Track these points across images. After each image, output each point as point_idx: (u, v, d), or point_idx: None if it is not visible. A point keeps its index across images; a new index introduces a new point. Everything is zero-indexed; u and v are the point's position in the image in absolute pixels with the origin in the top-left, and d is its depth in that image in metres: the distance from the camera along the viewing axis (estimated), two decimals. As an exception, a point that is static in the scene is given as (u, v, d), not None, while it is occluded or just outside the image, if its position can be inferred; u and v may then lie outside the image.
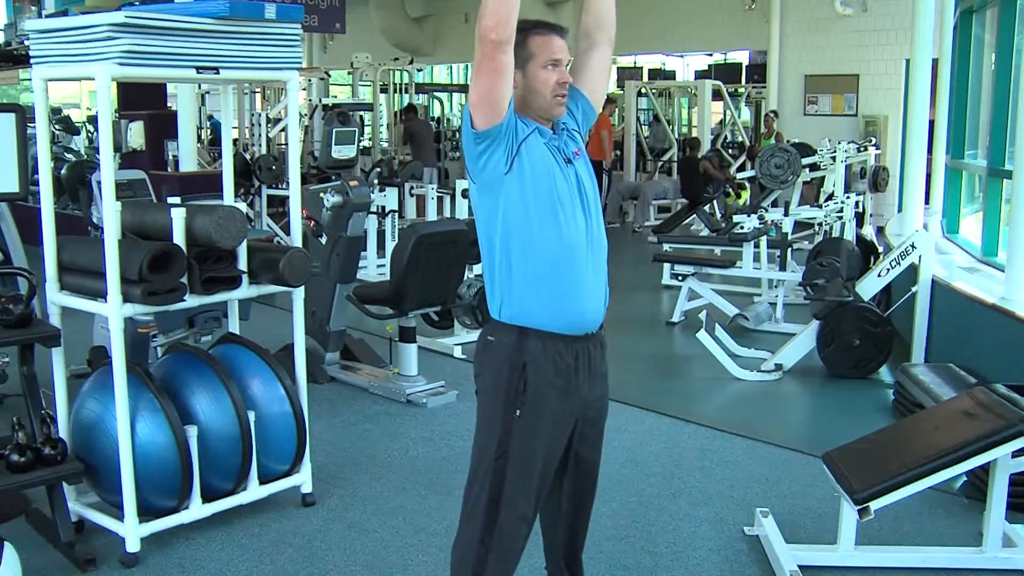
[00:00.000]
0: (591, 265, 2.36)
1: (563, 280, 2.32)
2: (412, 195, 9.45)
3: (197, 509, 3.41)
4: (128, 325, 3.31)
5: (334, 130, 6.20)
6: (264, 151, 11.73)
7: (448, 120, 18.94)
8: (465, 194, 7.60)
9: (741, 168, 12.41)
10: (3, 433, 3.60)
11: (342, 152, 6.18)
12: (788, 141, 9.61)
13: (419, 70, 17.09)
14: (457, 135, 17.41)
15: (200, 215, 3.32)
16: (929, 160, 7.40)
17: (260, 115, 13.01)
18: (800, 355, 5.75)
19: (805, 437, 4.72)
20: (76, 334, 3.96)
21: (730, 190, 11.15)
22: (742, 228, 7.02)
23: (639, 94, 14.86)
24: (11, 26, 14.14)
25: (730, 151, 13.59)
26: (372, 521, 3.65)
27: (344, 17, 13.13)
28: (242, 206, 3.65)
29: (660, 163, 14.62)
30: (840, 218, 7.42)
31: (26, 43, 4.01)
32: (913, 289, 5.58)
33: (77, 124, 14.63)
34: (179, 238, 3.29)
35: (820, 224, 7.56)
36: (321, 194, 5.32)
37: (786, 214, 7.32)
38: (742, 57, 18.56)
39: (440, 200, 9.52)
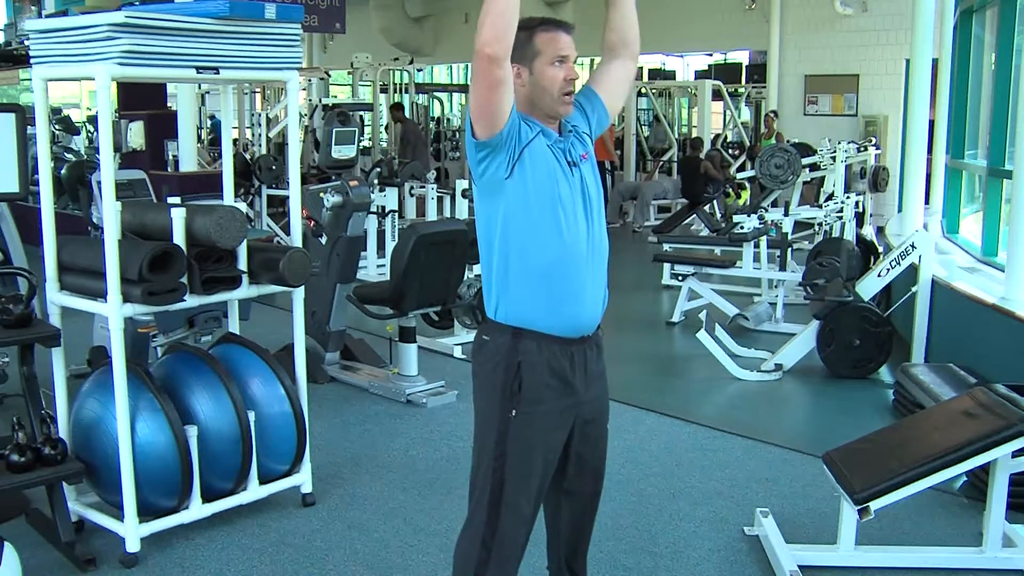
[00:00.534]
0: (590, 269, 2.35)
1: (560, 284, 2.31)
2: (412, 195, 9.45)
3: (197, 509, 3.41)
4: (128, 325, 3.31)
5: (334, 130, 6.21)
6: (264, 151, 11.73)
7: (448, 120, 18.95)
8: (465, 194, 7.61)
9: (741, 168, 12.41)
10: (3, 433, 3.60)
11: (342, 152, 6.19)
12: (788, 141, 9.60)
13: (419, 70, 17.09)
14: (457, 135, 17.42)
15: (200, 215, 3.32)
16: (929, 160, 7.40)
17: (260, 115, 13.01)
18: (800, 355, 5.75)
19: (805, 437, 4.72)
20: (76, 334, 3.97)
21: (730, 190, 11.15)
22: (742, 228, 7.02)
23: (639, 94, 14.86)
24: (11, 26, 14.15)
25: (730, 151, 13.59)
26: (372, 521, 3.65)
27: (344, 17, 13.12)
28: (242, 206, 3.65)
29: (660, 163, 14.62)
30: (840, 218, 7.42)
31: (26, 43, 4.01)
32: (913, 289, 5.58)
33: (77, 124, 14.62)
34: (179, 238, 3.29)
35: (820, 224, 7.56)
36: (321, 194, 5.32)
37: (786, 214, 7.32)
38: (742, 57, 18.56)
39: (440, 200, 9.52)
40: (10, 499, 3.49)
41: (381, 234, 8.67)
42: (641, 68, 20.78)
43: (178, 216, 3.29)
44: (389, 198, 8.75)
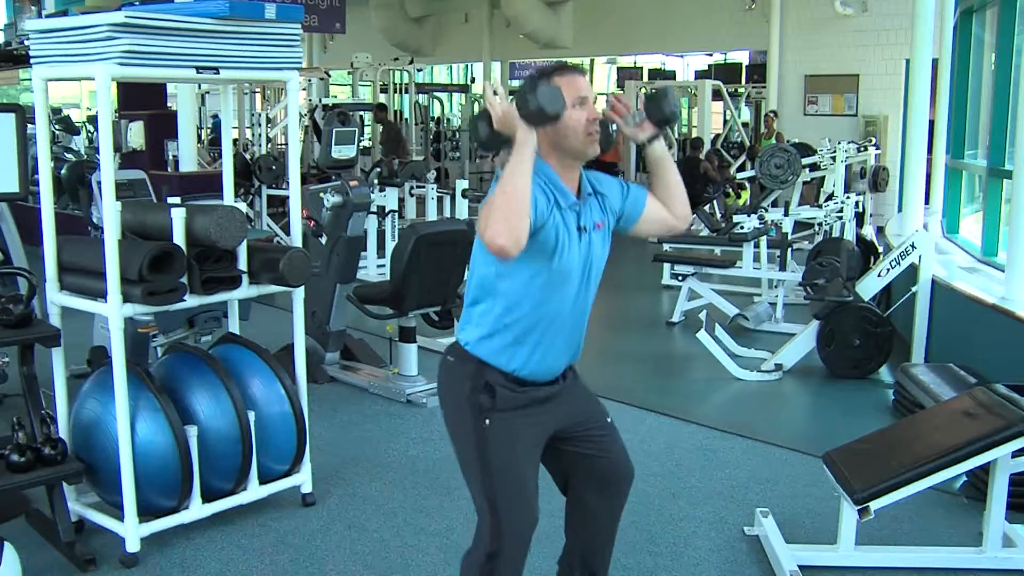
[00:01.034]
0: (568, 330, 2.39)
1: (535, 342, 2.35)
2: (412, 195, 9.45)
3: (197, 509, 3.41)
4: (128, 325, 3.30)
5: (334, 130, 6.21)
6: (264, 151, 11.73)
7: (448, 120, 18.95)
8: (465, 194, 7.61)
9: (741, 168, 12.41)
10: (3, 433, 3.59)
11: (342, 152, 6.18)
12: (788, 141, 9.60)
13: (419, 70, 17.09)
14: (457, 135, 17.42)
15: (200, 215, 3.32)
16: (929, 160, 7.40)
17: (260, 115, 13.01)
18: (800, 355, 5.75)
19: (805, 437, 4.72)
20: (76, 334, 3.96)
21: (730, 190, 11.15)
22: (742, 228, 7.02)
23: (639, 94, 14.86)
24: (11, 26, 14.14)
25: (730, 151, 13.59)
26: (372, 521, 3.65)
27: (344, 17, 13.14)
28: (242, 206, 3.65)
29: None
30: (840, 218, 7.42)
31: (26, 43, 4.01)
32: (913, 289, 5.58)
33: (77, 124, 14.63)
34: (179, 238, 3.29)
35: (820, 224, 7.56)
36: (321, 194, 5.32)
37: (786, 214, 7.32)
38: (742, 57, 18.56)
39: (440, 200, 9.52)
40: (10, 499, 3.49)
41: (381, 234, 8.67)
42: (641, 68, 20.83)
43: (178, 216, 3.29)
44: (389, 198, 8.75)
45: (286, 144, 10.40)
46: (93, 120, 12.89)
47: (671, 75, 20.22)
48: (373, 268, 8.54)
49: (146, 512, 3.30)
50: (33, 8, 14.06)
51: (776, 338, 6.37)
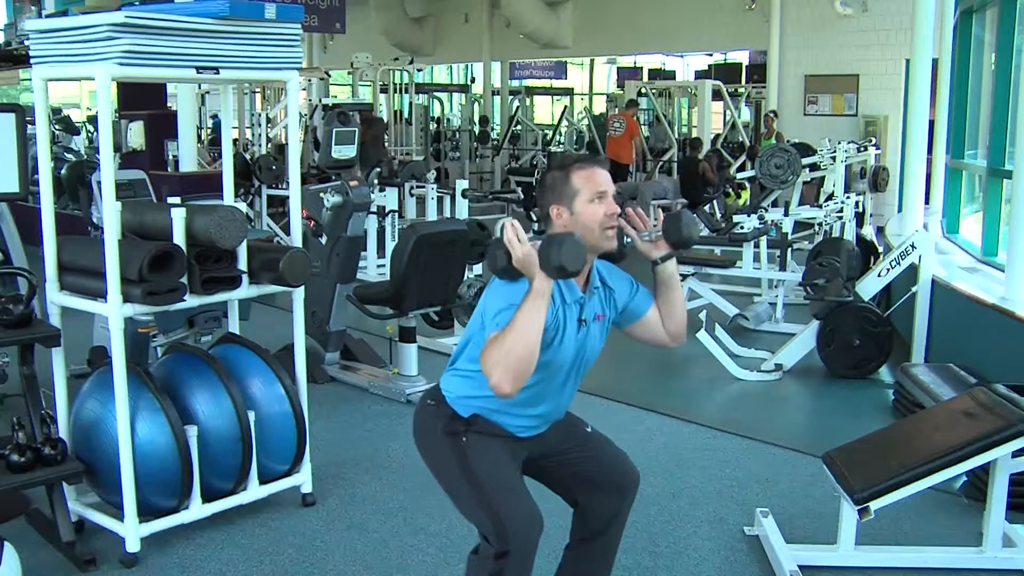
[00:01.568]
0: (550, 403, 2.43)
1: (516, 412, 2.39)
2: (412, 195, 9.44)
3: (197, 509, 3.41)
4: (128, 325, 3.30)
5: (334, 130, 6.20)
6: (264, 151, 11.72)
7: (448, 120, 18.95)
8: (465, 194, 7.60)
9: (741, 168, 12.40)
10: (3, 433, 3.59)
11: (342, 152, 6.17)
12: (788, 141, 9.60)
13: (419, 70, 17.09)
14: (457, 135, 17.42)
15: (200, 215, 3.32)
16: (929, 160, 7.40)
17: (260, 115, 13.01)
18: (800, 355, 5.75)
19: (805, 437, 4.72)
20: (76, 334, 3.96)
21: (730, 190, 11.13)
22: (742, 228, 7.01)
23: (639, 94, 14.86)
24: (11, 26, 14.14)
25: (729, 151, 13.59)
26: (372, 521, 3.65)
27: (344, 17, 13.13)
28: (242, 206, 3.65)
29: (660, 163, 14.63)
30: (840, 218, 7.41)
31: (26, 43, 4.01)
32: (913, 289, 5.58)
33: (77, 124, 14.65)
34: (179, 238, 3.29)
35: (820, 224, 7.55)
36: (321, 194, 5.32)
37: (786, 214, 7.31)
38: (742, 57, 18.56)
39: (440, 200, 9.51)
40: (10, 499, 3.49)
41: (381, 234, 8.67)
42: (641, 68, 20.83)
43: (178, 216, 3.29)
44: (389, 198, 8.75)
45: (285, 144, 10.40)
46: (93, 120, 12.90)
47: (671, 75, 20.23)
48: (373, 268, 8.53)
49: (146, 512, 3.30)
50: (33, 8, 14.07)
51: (776, 338, 6.37)
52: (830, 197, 8.01)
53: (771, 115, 12.81)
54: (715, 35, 14.58)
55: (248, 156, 10.94)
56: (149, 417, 3.26)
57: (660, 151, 15.16)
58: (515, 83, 20.03)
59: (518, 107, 18.19)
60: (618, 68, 21.52)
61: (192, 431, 3.30)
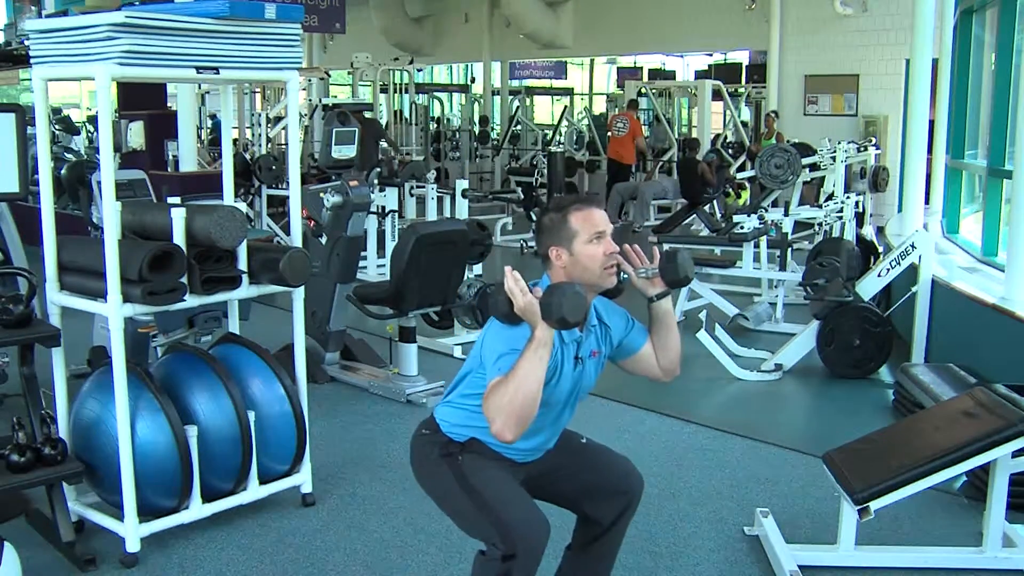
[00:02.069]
0: (545, 435, 2.46)
1: (513, 444, 2.37)
2: (412, 195, 9.44)
3: (197, 509, 3.41)
4: (128, 325, 3.31)
5: (334, 130, 6.21)
6: (264, 151, 11.72)
7: (448, 120, 18.94)
8: (465, 194, 7.60)
9: (741, 168, 12.40)
10: (3, 433, 3.60)
11: (342, 152, 6.18)
12: (788, 141, 9.60)
13: (419, 70, 17.09)
14: (457, 135, 17.41)
15: (200, 215, 3.32)
16: (929, 160, 7.40)
17: (260, 115, 13.00)
18: (800, 355, 5.75)
19: (805, 437, 4.72)
20: (76, 334, 3.96)
21: (730, 190, 11.13)
22: (742, 228, 7.01)
23: (639, 94, 14.85)
24: (11, 26, 14.14)
25: (730, 151, 13.59)
26: (372, 521, 3.65)
27: (344, 17, 13.13)
28: (242, 206, 3.65)
29: (660, 163, 14.64)
30: (840, 218, 7.41)
31: (26, 43, 4.01)
32: (913, 289, 5.58)
33: (77, 124, 14.63)
34: (179, 238, 3.29)
35: (820, 224, 7.55)
36: (321, 194, 5.32)
37: (786, 214, 7.31)
38: (742, 57, 18.56)
39: (440, 200, 9.51)
40: (10, 499, 3.49)
41: (381, 234, 8.66)
42: (641, 68, 20.82)
43: (178, 216, 3.29)
44: (389, 198, 8.74)
45: (285, 144, 10.40)
46: (93, 120, 12.89)
47: (671, 75, 20.23)
48: (373, 268, 8.53)
49: (146, 512, 3.30)
50: (33, 8, 14.07)
51: (776, 338, 6.37)
52: (830, 197, 8.00)
53: (771, 115, 12.81)
54: (715, 35, 14.58)
55: (248, 156, 10.94)
56: (149, 417, 3.26)
57: (660, 151, 15.16)
58: (515, 83, 20.02)
59: (518, 107, 18.18)
60: (618, 68, 21.52)
61: (192, 431, 3.30)
